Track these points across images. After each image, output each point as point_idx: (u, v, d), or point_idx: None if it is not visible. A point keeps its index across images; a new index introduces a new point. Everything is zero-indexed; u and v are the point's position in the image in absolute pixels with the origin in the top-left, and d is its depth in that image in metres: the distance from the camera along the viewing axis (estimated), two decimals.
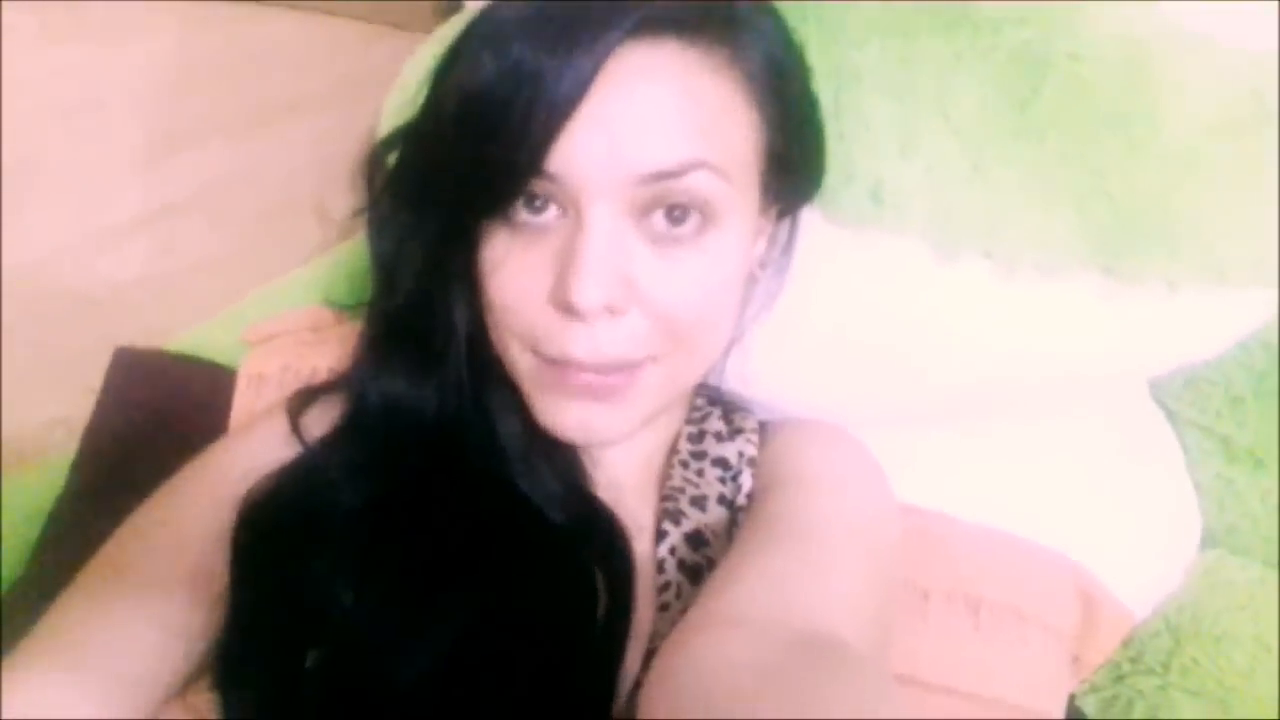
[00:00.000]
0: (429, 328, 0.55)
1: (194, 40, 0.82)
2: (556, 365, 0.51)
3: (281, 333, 0.76)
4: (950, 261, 0.55)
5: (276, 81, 0.90)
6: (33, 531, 0.71)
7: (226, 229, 0.87)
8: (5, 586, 0.68)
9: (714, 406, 0.64)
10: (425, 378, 0.56)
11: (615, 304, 0.48)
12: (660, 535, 0.56)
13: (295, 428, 0.58)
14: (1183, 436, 0.75)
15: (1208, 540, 0.76)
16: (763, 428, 0.64)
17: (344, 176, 0.62)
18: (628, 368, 0.51)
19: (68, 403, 0.77)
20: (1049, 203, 0.52)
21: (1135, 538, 0.69)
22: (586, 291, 0.46)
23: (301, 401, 0.60)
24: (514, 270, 0.50)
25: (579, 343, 0.49)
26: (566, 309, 0.48)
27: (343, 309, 0.79)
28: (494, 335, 0.54)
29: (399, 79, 0.75)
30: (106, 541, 0.53)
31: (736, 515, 0.57)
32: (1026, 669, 0.62)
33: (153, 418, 0.75)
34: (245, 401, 0.71)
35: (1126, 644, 0.68)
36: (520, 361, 0.53)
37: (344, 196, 0.63)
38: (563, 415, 0.52)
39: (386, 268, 0.56)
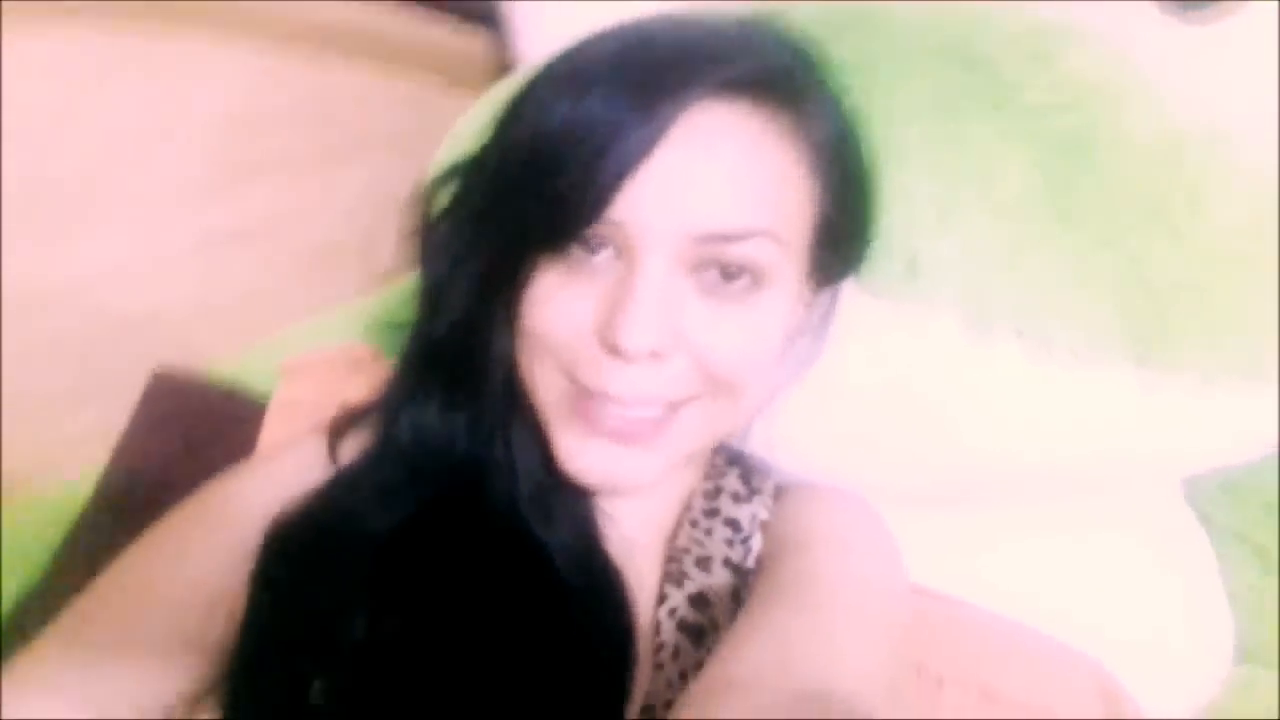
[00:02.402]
0: (468, 356, 0.55)
1: (261, 85, 0.85)
2: (588, 398, 0.51)
3: (317, 364, 0.77)
4: (982, 338, 0.54)
5: (334, 128, 0.93)
6: (56, 536, 0.71)
7: (275, 263, 0.89)
8: (23, 589, 0.69)
9: (733, 466, 0.63)
10: (457, 409, 0.57)
11: (661, 350, 0.48)
12: (661, 598, 0.55)
13: (333, 450, 0.58)
14: (1217, 544, 0.73)
15: (1240, 655, 0.73)
16: (778, 491, 0.63)
17: (392, 223, 0.63)
18: (661, 410, 0.51)
19: (104, 418, 0.78)
20: (1086, 286, 0.52)
21: (1163, 645, 0.67)
22: (634, 336, 0.47)
23: (340, 425, 0.60)
24: (560, 301, 0.50)
25: (617, 379, 0.49)
26: (611, 349, 0.48)
27: (380, 349, 0.80)
28: (525, 366, 0.54)
29: (451, 133, 0.77)
30: (124, 553, 0.53)
31: (745, 578, 0.57)
32: None
33: (183, 441, 0.76)
34: (274, 429, 0.72)
35: None
36: (550, 391, 0.53)
37: (391, 242, 0.64)
38: (586, 457, 0.52)
39: (434, 292, 0.57)
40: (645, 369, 0.49)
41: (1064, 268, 0.52)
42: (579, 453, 0.52)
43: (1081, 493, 0.66)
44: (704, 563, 0.57)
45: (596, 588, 0.54)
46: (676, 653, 0.53)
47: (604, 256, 0.50)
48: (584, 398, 0.51)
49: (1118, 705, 0.62)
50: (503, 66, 0.93)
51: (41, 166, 0.71)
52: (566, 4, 0.71)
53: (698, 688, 0.46)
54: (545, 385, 0.53)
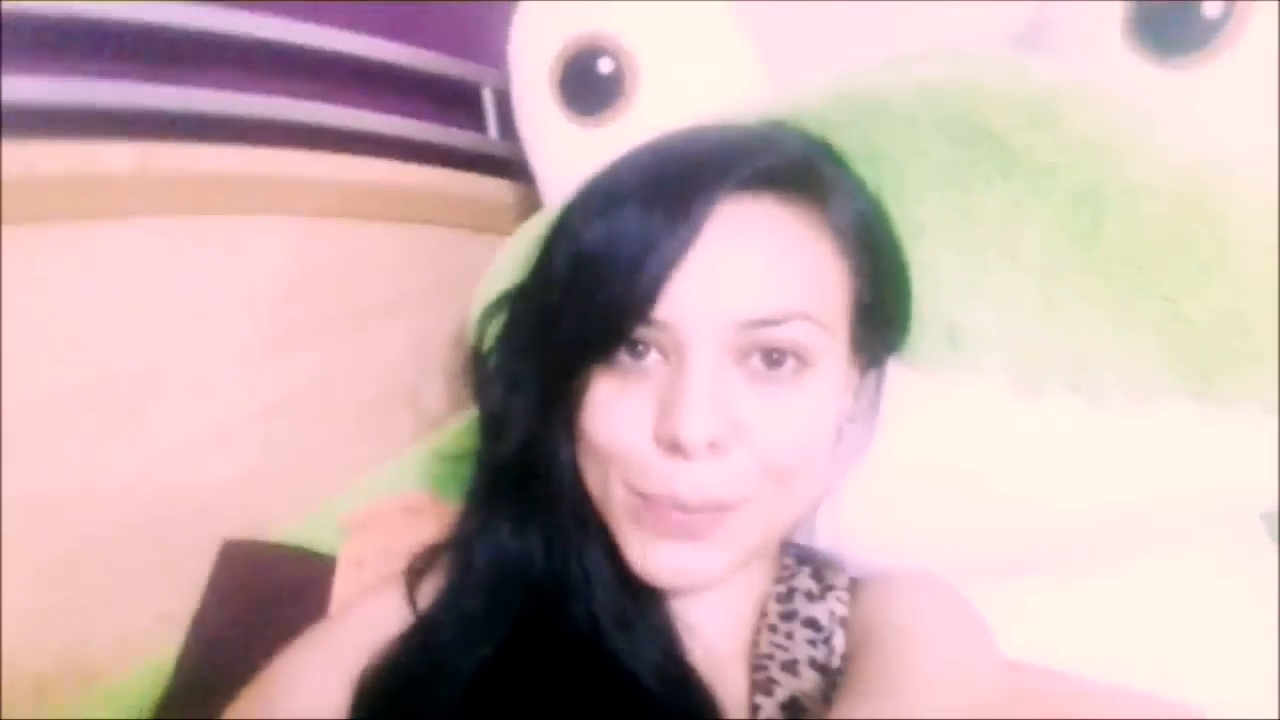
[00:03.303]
0: (535, 477, 0.56)
1: (299, 255, 0.89)
2: (653, 503, 0.51)
3: (378, 518, 0.78)
4: (1035, 398, 0.54)
5: (372, 287, 0.96)
6: None
7: (328, 423, 0.92)
8: None
9: (804, 565, 0.62)
10: (530, 528, 0.57)
11: (719, 440, 0.49)
12: (754, 710, 0.54)
13: (411, 594, 0.59)
14: None
15: None
16: (854, 584, 0.62)
17: (436, 370, 0.65)
18: (724, 508, 0.51)
19: (178, 599, 0.79)
20: (1128, 332, 0.53)
21: (1263, 686, 0.64)
22: (691, 427, 0.47)
23: (417, 568, 0.61)
24: (616, 410, 0.51)
25: (681, 480, 0.49)
26: (671, 446, 0.49)
27: (437, 492, 0.81)
28: (591, 479, 0.54)
29: (488, 272, 0.80)
30: None
31: (833, 679, 0.55)
32: None
33: (257, 608, 0.76)
34: (344, 586, 0.73)
35: None
36: (617, 500, 0.53)
37: (437, 389, 0.66)
38: (655, 556, 0.52)
39: (494, 419, 0.58)
40: (706, 466, 0.49)
41: (1102, 317, 0.53)
42: (647, 555, 0.52)
43: (1163, 541, 0.64)
44: (790, 666, 0.55)
45: (687, 702, 0.53)
46: None
47: (653, 361, 0.51)
48: (648, 505, 0.51)
49: None
50: (528, 209, 0.97)
51: (99, 361, 0.74)
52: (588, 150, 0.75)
53: None
54: (611, 496, 0.53)
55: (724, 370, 0.50)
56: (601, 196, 0.53)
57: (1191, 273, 0.52)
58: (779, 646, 0.57)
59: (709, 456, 0.49)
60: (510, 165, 1.09)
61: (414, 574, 0.61)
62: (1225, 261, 0.52)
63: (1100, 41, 0.66)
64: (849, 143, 0.59)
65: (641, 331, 0.50)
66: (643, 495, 0.52)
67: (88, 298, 0.73)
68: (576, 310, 0.51)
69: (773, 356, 0.50)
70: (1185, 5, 0.61)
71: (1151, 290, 0.52)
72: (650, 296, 0.48)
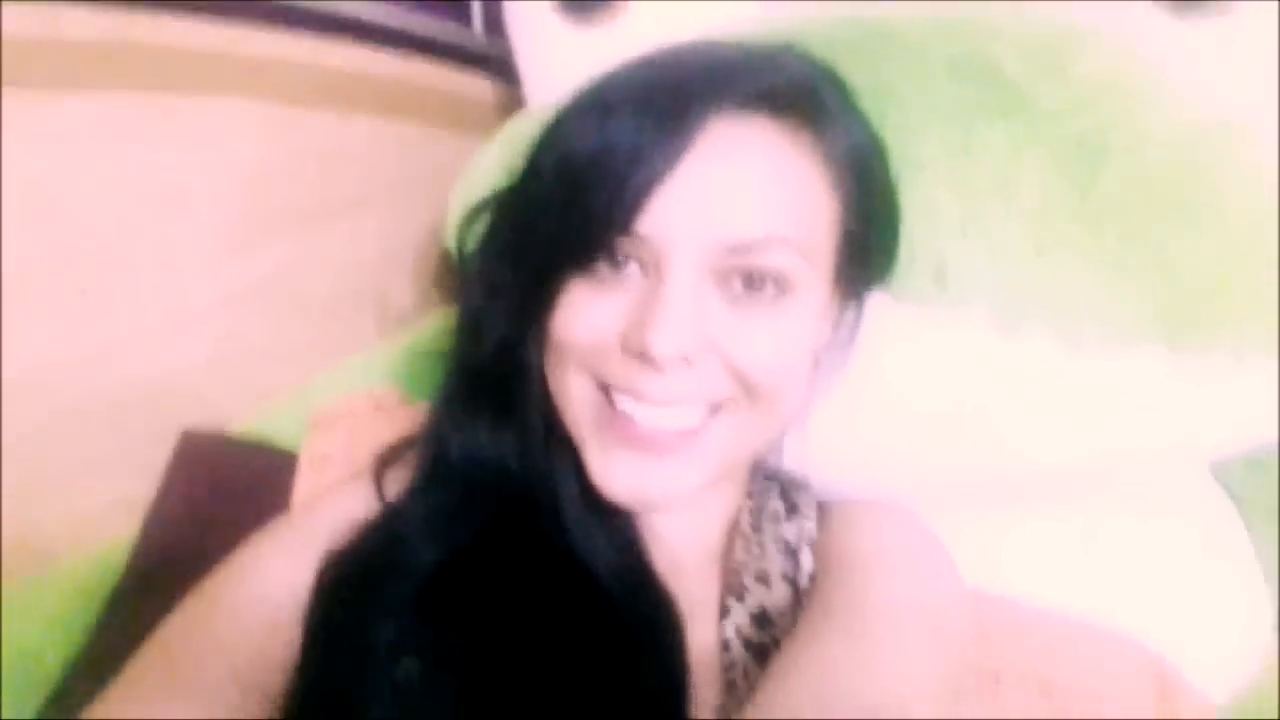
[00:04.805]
0: (510, 380, 0.56)
1: (272, 142, 0.86)
2: (618, 410, 0.51)
3: (346, 415, 0.77)
4: (1014, 337, 0.55)
5: (344, 179, 0.93)
6: (93, 611, 0.71)
7: (293, 316, 0.90)
8: (65, 666, 0.68)
9: (771, 483, 0.64)
10: (505, 429, 0.57)
11: (691, 355, 0.49)
12: (724, 611, 0.55)
13: (379, 486, 0.59)
14: (1246, 521, 0.74)
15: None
16: (820, 508, 0.63)
17: (405, 268, 0.64)
18: (696, 416, 0.52)
19: (133, 485, 0.78)
20: (1114, 281, 0.53)
21: (1208, 625, 0.68)
22: (664, 341, 0.47)
23: (385, 461, 0.61)
24: (586, 312, 0.51)
25: (650, 382, 0.50)
26: (641, 356, 0.49)
27: (403, 390, 0.80)
28: (556, 380, 0.54)
29: (467, 175, 0.78)
30: (164, 623, 0.53)
31: (800, 595, 0.57)
32: None
33: (214, 500, 0.76)
34: (308, 482, 0.72)
35: None
36: (581, 404, 0.53)
37: (405, 286, 0.65)
38: (617, 472, 0.52)
39: (473, 322, 0.58)
40: (677, 375, 0.50)
41: (1090, 265, 0.53)
42: (609, 468, 0.53)
43: (1121, 482, 0.67)
44: (763, 577, 0.57)
45: (644, 605, 0.54)
46: (746, 672, 0.53)
47: (631, 273, 0.51)
48: (614, 409, 0.52)
49: (1173, 690, 0.63)
50: (509, 108, 0.94)
51: (60, 238, 0.71)
52: (578, 51, 0.73)
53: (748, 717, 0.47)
54: (576, 397, 0.54)
55: (702, 288, 0.50)
56: (595, 105, 0.52)
57: (1183, 228, 0.53)
58: (753, 556, 0.58)
59: (680, 368, 0.49)
60: (493, 62, 1.05)
61: (382, 465, 0.61)
62: (1219, 222, 0.52)
63: None
64: (855, 71, 0.57)
65: (622, 243, 0.50)
66: (606, 389, 0.52)
67: (48, 170, 0.69)
68: (560, 217, 0.51)
69: (753, 280, 0.50)
70: None
71: (1139, 240, 0.53)
72: (634, 208, 0.48)
